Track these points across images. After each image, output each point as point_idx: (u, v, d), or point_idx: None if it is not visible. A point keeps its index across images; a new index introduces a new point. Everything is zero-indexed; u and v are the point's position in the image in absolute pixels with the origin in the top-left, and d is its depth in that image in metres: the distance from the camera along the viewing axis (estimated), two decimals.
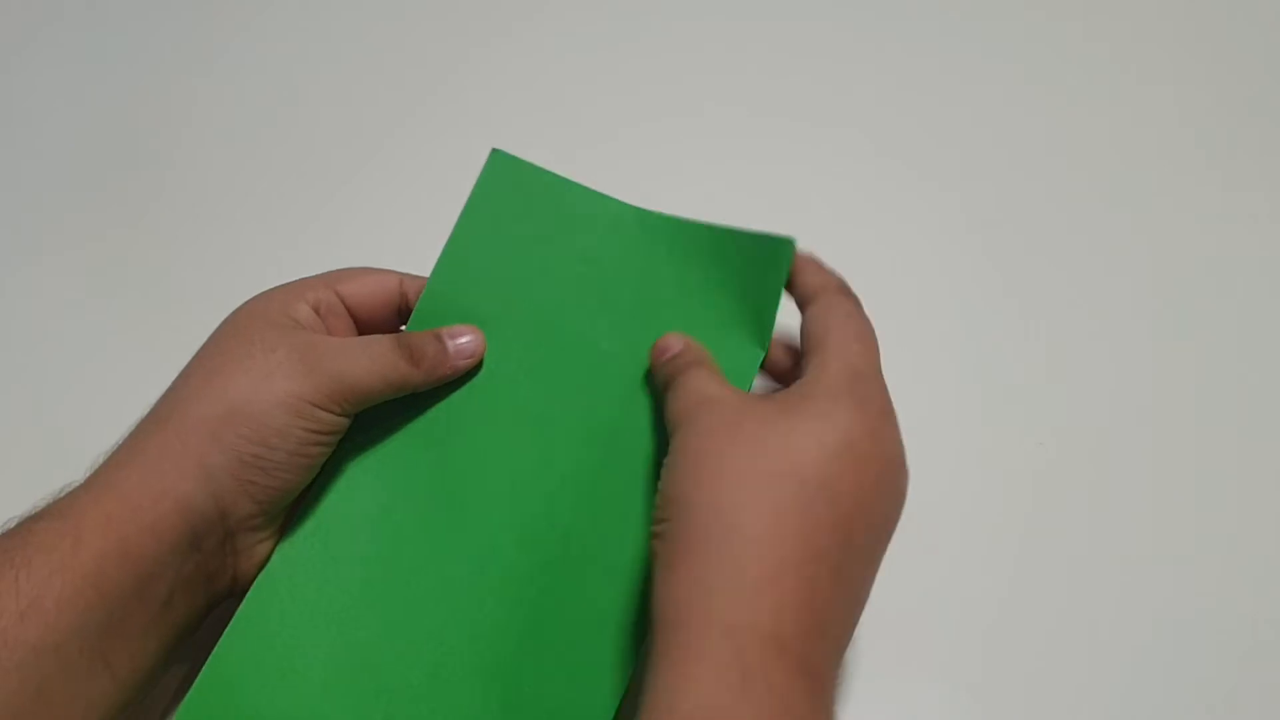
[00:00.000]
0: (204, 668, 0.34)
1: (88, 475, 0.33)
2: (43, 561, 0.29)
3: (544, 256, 0.40)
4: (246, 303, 0.36)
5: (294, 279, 0.47)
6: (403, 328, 0.39)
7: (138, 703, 0.32)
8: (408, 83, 0.55)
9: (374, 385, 0.34)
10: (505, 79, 0.55)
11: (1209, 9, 0.58)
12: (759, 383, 0.38)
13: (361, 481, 0.37)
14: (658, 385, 0.36)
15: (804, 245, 0.47)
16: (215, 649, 0.34)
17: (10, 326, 0.46)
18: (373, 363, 0.34)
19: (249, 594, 0.35)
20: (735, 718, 0.26)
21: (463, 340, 0.37)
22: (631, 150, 0.52)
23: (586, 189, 0.40)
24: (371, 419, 0.37)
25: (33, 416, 0.43)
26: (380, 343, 0.35)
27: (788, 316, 0.36)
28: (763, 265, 0.37)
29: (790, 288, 0.36)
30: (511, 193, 0.41)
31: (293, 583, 0.35)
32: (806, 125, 0.53)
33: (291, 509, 0.36)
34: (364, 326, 0.38)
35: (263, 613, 0.35)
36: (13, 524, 0.32)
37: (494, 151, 0.42)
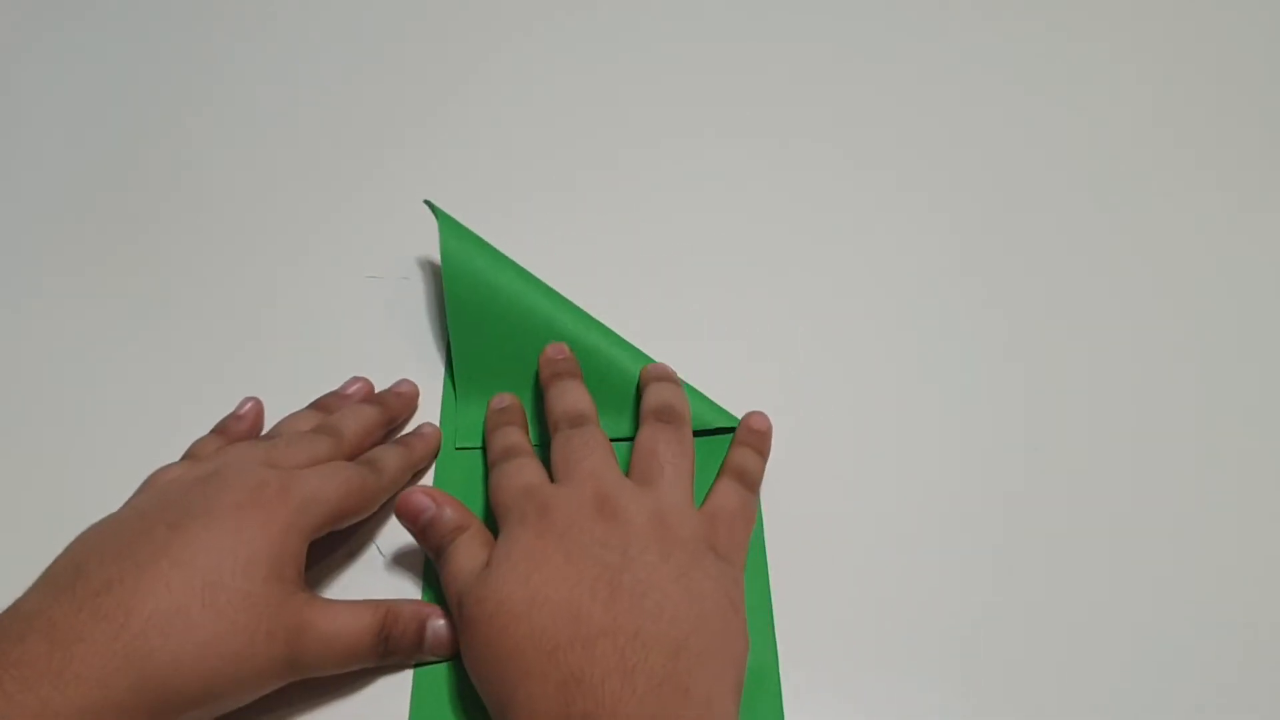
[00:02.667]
0: None
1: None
2: None
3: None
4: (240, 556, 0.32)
5: (294, 283, 0.47)
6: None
7: None
8: (412, 91, 0.55)
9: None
10: (511, 85, 0.55)
11: (1198, 11, 0.58)
12: None
13: None
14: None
15: (786, 261, 0.47)
16: None
17: (13, 333, 0.46)
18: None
19: None
20: None
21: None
22: (623, 163, 0.52)
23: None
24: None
25: (35, 422, 0.43)
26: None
27: None
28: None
29: None
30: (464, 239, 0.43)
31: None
32: (784, 140, 0.53)
33: None
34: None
35: None
36: None
37: (431, 205, 0.43)
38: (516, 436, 0.39)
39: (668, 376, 0.41)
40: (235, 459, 0.35)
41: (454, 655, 0.35)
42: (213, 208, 0.50)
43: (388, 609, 0.34)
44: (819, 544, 0.38)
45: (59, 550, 0.33)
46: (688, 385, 0.41)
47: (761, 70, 0.56)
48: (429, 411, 0.43)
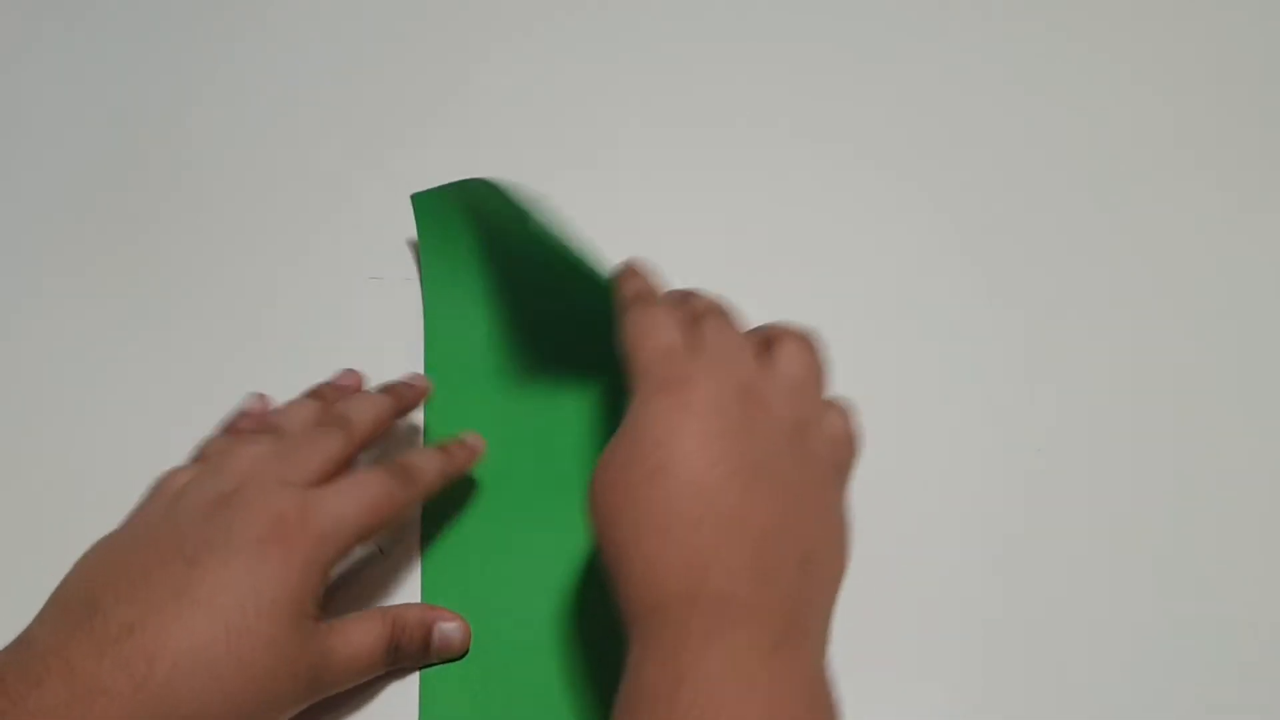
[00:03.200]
0: None
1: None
2: None
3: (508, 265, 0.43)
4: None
5: (297, 287, 0.47)
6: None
7: None
8: (412, 92, 0.55)
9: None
10: (510, 87, 0.55)
11: (1197, 10, 0.58)
12: None
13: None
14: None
15: (789, 258, 0.47)
16: None
17: (12, 332, 0.46)
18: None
19: None
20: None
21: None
22: (622, 163, 0.52)
23: (492, 188, 0.40)
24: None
25: (34, 422, 0.43)
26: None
27: None
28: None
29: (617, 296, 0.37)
30: (450, 224, 0.43)
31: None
32: (793, 136, 0.53)
33: None
34: None
35: None
36: None
37: (414, 197, 0.44)
38: (647, 285, 0.37)
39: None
40: (247, 472, 0.34)
41: (461, 656, 0.35)
42: (212, 207, 0.50)
43: (394, 617, 0.34)
44: None
45: (57, 552, 0.32)
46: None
47: (764, 69, 0.56)
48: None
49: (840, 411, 0.35)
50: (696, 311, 0.36)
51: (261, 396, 0.41)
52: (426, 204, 0.44)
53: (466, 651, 0.36)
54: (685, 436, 0.30)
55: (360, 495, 0.33)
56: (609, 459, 0.31)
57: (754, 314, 0.45)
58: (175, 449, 0.39)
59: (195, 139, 0.53)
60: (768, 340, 0.36)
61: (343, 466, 0.35)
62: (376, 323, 0.45)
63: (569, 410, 0.42)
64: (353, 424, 0.36)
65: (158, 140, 0.52)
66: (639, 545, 0.29)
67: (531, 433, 0.41)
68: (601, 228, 0.48)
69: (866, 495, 0.39)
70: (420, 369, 0.43)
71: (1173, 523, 0.40)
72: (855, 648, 0.36)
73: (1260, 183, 0.50)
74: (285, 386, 0.42)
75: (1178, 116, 0.53)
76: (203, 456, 0.37)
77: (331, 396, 0.40)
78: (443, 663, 0.36)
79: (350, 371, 0.42)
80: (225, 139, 0.52)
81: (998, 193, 0.50)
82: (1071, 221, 0.49)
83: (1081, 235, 0.49)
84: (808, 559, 0.30)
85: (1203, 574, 0.38)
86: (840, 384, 0.42)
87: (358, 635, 0.33)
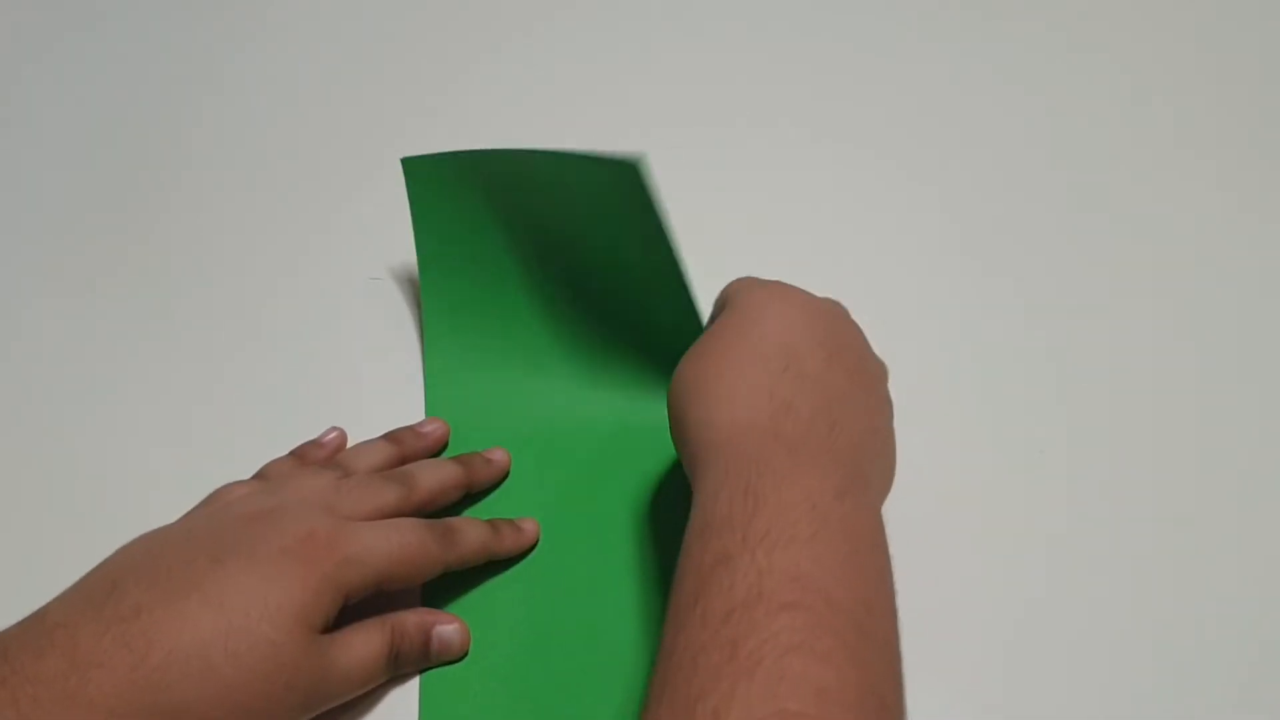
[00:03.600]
0: None
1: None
2: None
3: (502, 240, 0.42)
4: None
5: (297, 285, 0.47)
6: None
7: None
8: (414, 90, 0.55)
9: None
10: (517, 84, 0.55)
11: (1201, 11, 0.58)
12: None
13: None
14: None
15: (803, 255, 0.47)
16: None
17: (16, 337, 0.46)
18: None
19: None
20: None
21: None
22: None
23: (490, 153, 0.40)
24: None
25: (40, 425, 0.43)
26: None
27: None
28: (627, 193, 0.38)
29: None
30: (443, 191, 0.42)
31: None
32: (807, 135, 0.53)
33: None
34: None
35: None
36: None
37: (405, 160, 0.43)
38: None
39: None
40: (298, 496, 0.34)
41: (461, 658, 0.35)
42: (212, 208, 0.50)
43: (393, 625, 0.34)
44: None
45: (62, 553, 0.32)
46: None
47: (772, 68, 0.56)
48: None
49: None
50: None
51: (341, 432, 0.41)
52: (417, 168, 0.42)
53: (466, 654, 0.35)
54: (781, 309, 0.34)
55: (395, 539, 0.33)
56: (706, 336, 0.34)
57: None
58: (176, 448, 0.39)
59: (195, 140, 0.52)
60: None
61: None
62: (380, 324, 0.45)
63: (577, 396, 0.42)
64: (416, 486, 0.37)
65: (157, 141, 0.52)
66: (722, 379, 0.32)
67: (536, 422, 0.41)
68: None
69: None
70: (420, 368, 0.43)
71: (1178, 523, 0.39)
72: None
73: (1262, 183, 0.50)
74: (285, 386, 0.42)
75: (1180, 117, 0.53)
76: (263, 475, 0.38)
77: (409, 443, 0.40)
78: (442, 665, 0.35)
79: (434, 421, 0.41)
80: (225, 140, 0.52)
81: (1003, 194, 0.50)
82: (1076, 221, 0.49)
83: (1086, 235, 0.48)
84: (872, 431, 0.33)
85: (1207, 575, 0.38)
86: None
87: (359, 647, 0.33)
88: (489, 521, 0.38)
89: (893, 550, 0.38)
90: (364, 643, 0.33)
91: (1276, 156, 0.51)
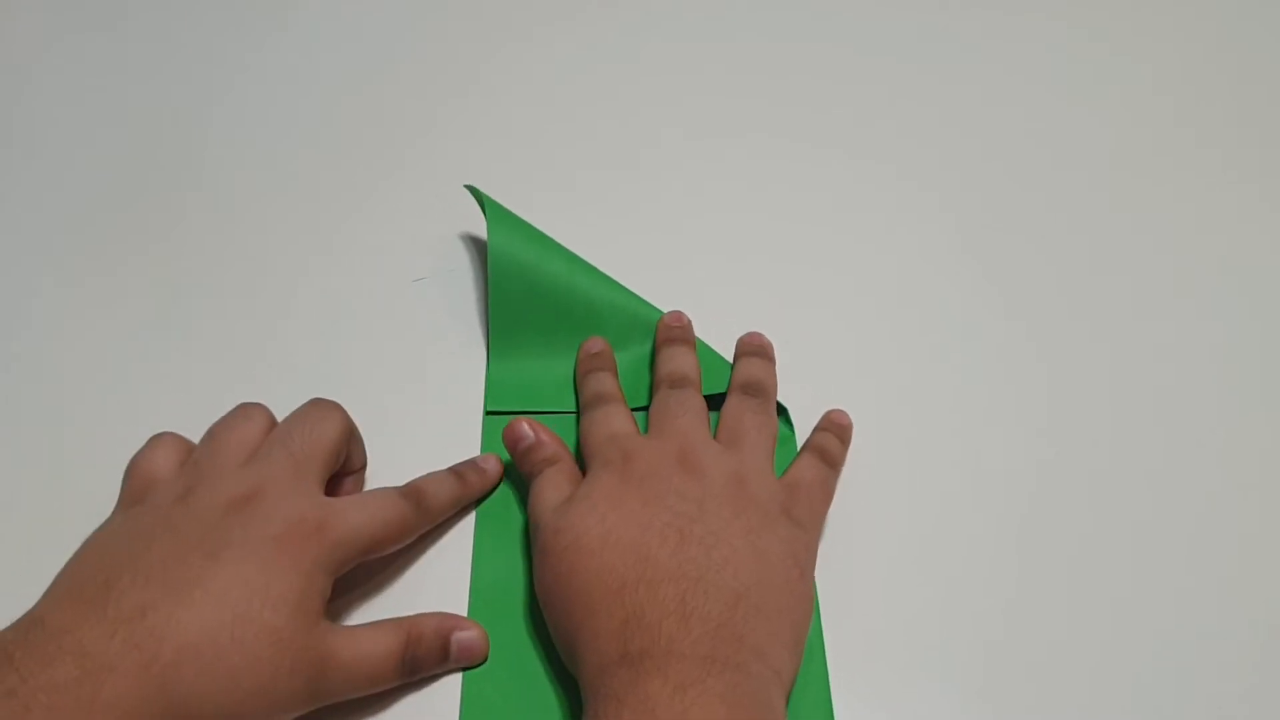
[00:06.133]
0: None
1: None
2: None
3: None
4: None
5: (330, 280, 0.46)
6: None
7: None
8: (430, 96, 0.54)
9: None
10: (525, 88, 0.55)
11: (1215, 9, 0.58)
12: None
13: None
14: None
15: (801, 260, 0.47)
16: None
17: (34, 338, 0.45)
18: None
19: None
20: None
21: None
22: (645, 163, 0.52)
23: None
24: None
25: (56, 428, 0.43)
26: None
27: None
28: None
29: None
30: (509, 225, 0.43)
31: None
32: (800, 143, 0.53)
33: None
34: None
35: None
36: None
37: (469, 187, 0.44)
38: (608, 383, 0.41)
39: (762, 351, 0.42)
40: (270, 479, 0.34)
41: (483, 663, 0.35)
42: (235, 217, 0.49)
43: (409, 629, 0.34)
44: (840, 548, 0.39)
45: (66, 551, 0.33)
46: (706, 345, 0.43)
47: (785, 70, 0.56)
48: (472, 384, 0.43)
49: (807, 461, 0.39)
50: (664, 379, 0.40)
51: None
52: (481, 196, 0.44)
53: (486, 659, 0.35)
54: (624, 507, 0.34)
55: (374, 512, 0.35)
56: (555, 534, 0.34)
57: (764, 316, 0.45)
58: None
59: (215, 141, 0.52)
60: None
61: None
62: (419, 315, 0.45)
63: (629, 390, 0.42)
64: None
65: (180, 153, 0.52)
66: (582, 622, 0.32)
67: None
68: (620, 226, 0.49)
69: (878, 497, 0.40)
70: (468, 353, 0.44)
71: (1192, 522, 0.40)
72: (863, 649, 0.36)
73: (1276, 182, 0.51)
74: (313, 387, 0.42)
75: (1196, 116, 0.54)
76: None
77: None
78: (465, 670, 0.35)
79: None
80: (248, 152, 0.52)
81: (1011, 193, 0.51)
82: (1088, 221, 0.50)
83: (1099, 235, 0.49)
84: (739, 598, 0.32)
85: (1217, 574, 0.38)
86: (854, 385, 0.43)
87: (367, 644, 0.33)
88: (452, 470, 0.39)
89: (892, 549, 0.38)
90: (374, 641, 0.33)
91: None
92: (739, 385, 0.41)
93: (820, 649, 0.36)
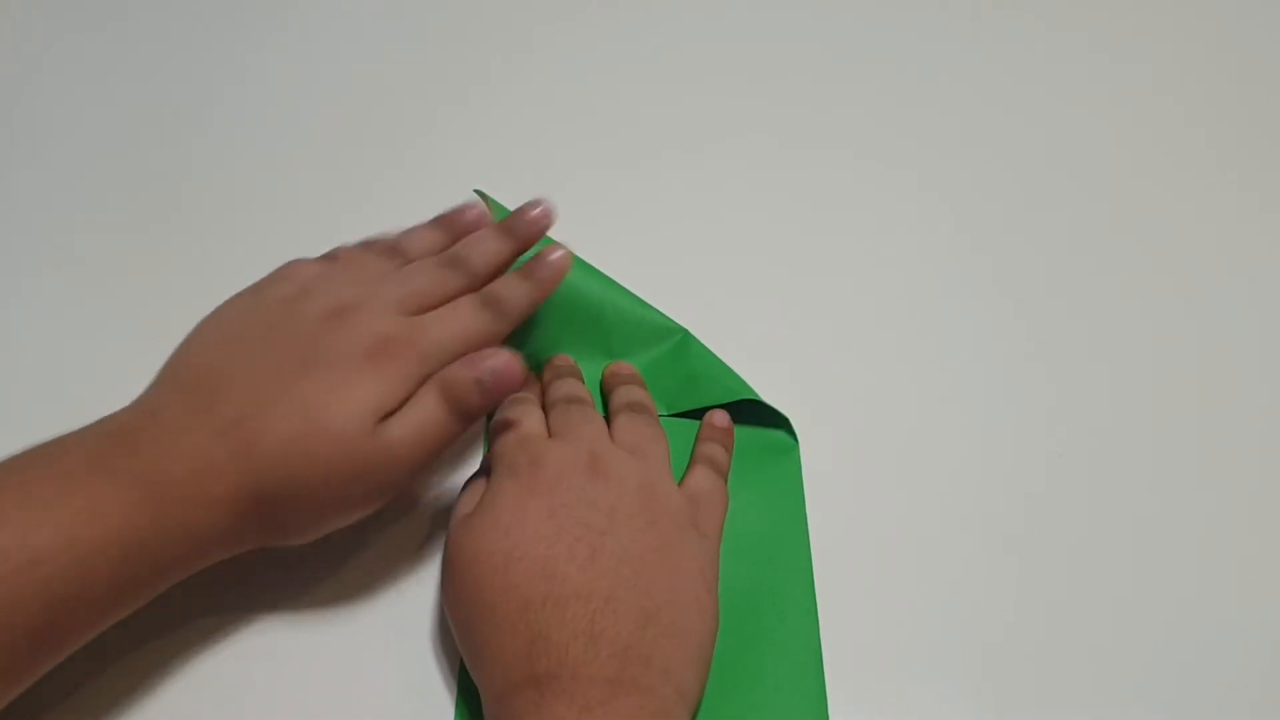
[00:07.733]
0: None
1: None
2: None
3: None
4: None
5: None
6: None
7: None
8: (430, 96, 0.54)
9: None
10: (525, 88, 0.55)
11: (1207, 10, 0.58)
12: None
13: None
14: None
15: (801, 260, 0.47)
16: None
17: (34, 337, 0.45)
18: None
19: None
20: None
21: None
22: (646, 166, 0.52)
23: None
24: None
25: (56, 428, 0.42)
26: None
27: None
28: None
29: None
30: None
31: None
32: (801, 143, 0.53)
33: None
34: None
35: None
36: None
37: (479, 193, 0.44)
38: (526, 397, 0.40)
39: (633, 379, 0.42)
40: (371, 296, 0.35)
41: (521, 384, 0.35)
42: (229, 214, 0.49)
43: (438, 382, 0.34)
44: (841, 549, 0.39)
45: None
46: (713, 354, 0.43)
47: (786, 71, 0.56)
48: None
49: (700, 472, 0.38)
50: (559, 400, 0.39)
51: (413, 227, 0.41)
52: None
53: (522, 380, 0.35)
54: (530, 519, 0.33)
55: (458, 328, 0.35)
56: (458, 550, 0.34)
57: (764, 316, 0.45)
58: None
59: (215, 141, 0.52)
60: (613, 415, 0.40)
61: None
62: None
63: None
64: (474, 270, 0.38)
65: (175, 150, 0.52)
66: (487, 639, 0.32)
67: None
68: (621, 227, 0.48)
69: (877, 497, 0.40)
70: None
71: (1193, 524, 0.40)
72: (866, 649, 0.36)
73: (1277, 185, 0.51)
74: None
75: (1195, 118, 0.54)
76: (332, 257, 0.38)
77: (457, 227, 0.40)
78: (500, 400, 0.35)
79: (472, 207, 0.41)
80: (243, 148, 0.52)
81: (1013, 194, 0.51)
82: (1086, 221, 0.50)
83: (1094, 236, 0.49)
84: (649, 617, 0.31)
85: (1223, 578, 0.38)
86: (854, 385, 0.43)
87: (414, 414, 0.34)
88: (520, 271, 0.38)
89: (892, 550, 0.38)
90: (420, 409, 0.34)
91: None
92: (624, 405, 0.40)
93: (818, 649, 0.36)
